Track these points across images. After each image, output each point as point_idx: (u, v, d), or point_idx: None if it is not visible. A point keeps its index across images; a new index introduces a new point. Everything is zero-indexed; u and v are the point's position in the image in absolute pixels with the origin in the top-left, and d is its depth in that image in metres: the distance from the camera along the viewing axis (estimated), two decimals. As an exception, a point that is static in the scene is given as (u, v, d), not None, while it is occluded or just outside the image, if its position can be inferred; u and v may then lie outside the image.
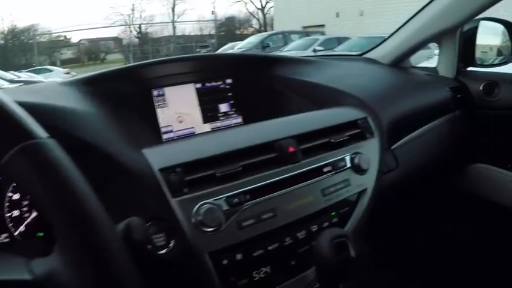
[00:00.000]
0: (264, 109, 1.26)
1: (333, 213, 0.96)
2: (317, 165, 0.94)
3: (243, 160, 0.86)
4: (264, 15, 31.81)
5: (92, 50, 38.49)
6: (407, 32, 1.63)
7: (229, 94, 1.28)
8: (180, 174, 0.80)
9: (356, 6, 18.97)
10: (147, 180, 0.79)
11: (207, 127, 1.24)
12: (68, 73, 20.30)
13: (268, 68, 1.30)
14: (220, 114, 1.26)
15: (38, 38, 27.33)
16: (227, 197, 0.80)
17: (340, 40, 14.27)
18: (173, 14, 33.13)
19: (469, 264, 1.69)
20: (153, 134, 1.17)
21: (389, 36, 1.70)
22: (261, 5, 31.97)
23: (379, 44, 1.75)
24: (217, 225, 0.77)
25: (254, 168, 0.86)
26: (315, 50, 13.46)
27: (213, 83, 1.27)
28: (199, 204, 0.78)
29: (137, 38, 37.17)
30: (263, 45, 16.46)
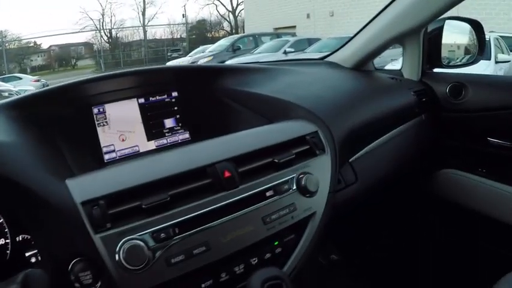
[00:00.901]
0: (211, 124, 1.21)
1: (276, 243, 0.87)
2: (257, 190, 0.85)
3: (172, 189, 0.79)
4: (235, 17, 31.79)
5: (63, 56, 37.81)
6: (369, 34, 1.57)
7: (175, 108, 1.22)
8: (102, 207, 0.72)
9: (327, 7, 19.08)
10: (69, 215, 0.72)
11: (152, 145, 1.18)
12: (37, 81, 19.91)
13: (215, 79, 1.24)
14: (166, 130, 1.20)
15: (6, 44, 26.73)
16: (153, 231, 0.73)
17: (310, 41, 14.34)
18: (143, 18, 32.86)
19: (438, 268, 1.67)
20: (94, 155, 1.11)
21: (351, 39, 1.65)
22: (232, 7, 31.95)
23: (341, 47, 1.70)
24: (143, 263, 0.70)
25: (185, 198, 0.79)
26: (285, 52, 13.48)
27: (158, 97, 1.21)
28: (123, 241, 0.71)
29: (108, 43, 36.68)
30: (234, 47, 16.42)
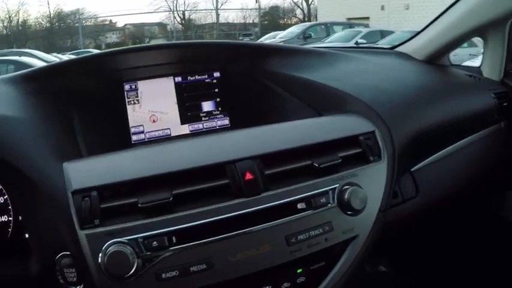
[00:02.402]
0: (253, 110, 1.07)
1: (300, 270, 0.72)
2: (286, 200, 0.69)
3: (178, 187, 0.65)
4: (308, 5, 31.23)
5: (137, 35, 38.96)
6: (446, 23, 1.31)
7: (215, 90, 1.09)
8: (94, 200, 0.62)
9: (402, 0, 18.33)
10: (58, 203, 0.63)
11: (186, 129, 1.06)
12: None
13: (262, 60, 1.08)
14: (203, 114, 1.08)
15: (83, 21, 27.87)
16: (145, 237, 0.61)
17: (383, 33, 13.78)
18: (217, 2, 33.02)
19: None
20: (121, 135, 1.00)
21: (426, 27, 1.42)
22: (306, -6, 31.48)
23: (414, 36, 1.47)
24: (128, 272, 0.59)
25: (192, 200, 0.66)
26: (357, 43, 13.04)
27: (197, 77, 1.08)
28: (109, 243, 0.60)
29: (181, 24, 37.36)
30: (305, 35, 16.12)
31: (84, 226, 0.61)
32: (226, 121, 1.09)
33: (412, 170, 0.99)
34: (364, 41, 13.18)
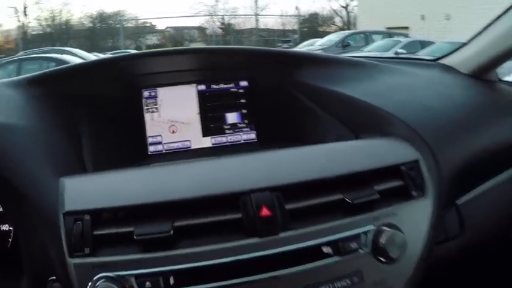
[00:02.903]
0: (282, 125, 0.97)
1: None
2: (308, 243, 0.58)
3: (181, 218, 0.56)
4: (348, 13, 30.89)
5: (177, 38, 39.44)
6: (495, 35, 1.16)
7: (242, 101, 0.99)
8: (86, 224, 0.54)
9: (443, 10, 17.84)
10: (49, 223, 0.55)
11: (208, 142, 0.97)
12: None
13: (294, 70, 0.97)
14: (227, 126, 0.98)
15: (124, 23, 28.41)
16: (138, 275, 0.52)
17: (423, 44, 13.44)
18: (256, 7, 33.11)
19: None
20: (136, 145, 0.92)
21: (473, 38, 1.28)
22: (345, 3, 31.13)
23: (459, 48, 1.33)
24: None
25: (196, 236, 0.56)
26: (396, 53, 12.76)
27: (222, 85, 0.99)
28: (97, 277, 0.52)
29: (220, 28, 37.61)
30: (344, 43, 15.92)
31: (74, 254, 0.53)
32: (253, 135, 0.99)
33: (457, 202, 0.85)
34: (404, 51, 12.90)
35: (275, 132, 0.97)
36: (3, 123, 0.64)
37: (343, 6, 31.13)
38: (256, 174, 0.61)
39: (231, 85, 0.99)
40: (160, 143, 0.94)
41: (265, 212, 0.56)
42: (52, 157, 0.65)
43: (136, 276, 0.52)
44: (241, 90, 1.00)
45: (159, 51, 0.92)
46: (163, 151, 0.94)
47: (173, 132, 0.95)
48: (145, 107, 0.95)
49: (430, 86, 1.00)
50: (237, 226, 0.56)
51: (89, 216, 0.54)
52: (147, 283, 0.51)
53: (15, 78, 0.79)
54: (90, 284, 0.51)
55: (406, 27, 19.91)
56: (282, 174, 0.62)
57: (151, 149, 0.94)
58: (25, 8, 24.85)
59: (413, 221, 0.65)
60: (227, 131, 0.98)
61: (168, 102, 0.96)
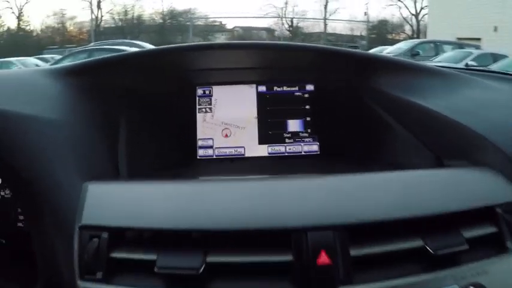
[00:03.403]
0: (351, 138, 0.83)
1: None
2: None
3: (214, 253, 0.45)
4: (418, 21, 29.81)
5: (245, 38, 39.74)
6: None
7: (306, 107, 0.87)
8: (103, 243, 0.45)
9: (517, 22, 16.85)
10: (64, 235, 0.47)
11: (264, 150, 0.85)
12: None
13: (370, 75, 0.82)
14: (287, 135, 0.86)
15: (194, 21, 28.93)
16: None
17: (495, 57, 12.71)
18: (325, 12, 32.70)
19: None
20: (184, 147, 0.83)
21: None
22: (416, 11, 30.07)
23: None
24: None
25: (230, 277, 0.45)
26: (467, 65, 12.15)
27: (285, 88, 0.87)
28: None
29: (288, 31, 37.51)
30: (413, 52, 15.37)
31: (85, 276, 0.45)
32: (315, 147, 0.87)
33: None
34: (475, 64, 12.25)
35: (341, 146, 0.84)
36: (30, 115, 0.55)
37: (413, 14, 30.19)
38: (316, 206, 0.48)
39: (295, 88, 0.88)
40: (211, 147, 0.84)
41: (324, 258, 0.44)
42: (81, 157, 0.56)
43: None
44: (306, 95, 0.88)
45: (218, 44, 0.82)
46: (214, 156, 0.84)
47: (226, 136, 0.85)
48: (199, 106, 0.85)
49: None
50: (285, 272, 0.44)
51: (107, 234, 0.45)
52: None
53: (55, 66, 0.71)
54: None
55: (478, 39, 19.04)
56: (349, 209, 0.48)
57: (200, 153, 0.84)
58: (99, 1, 25.88)
59: (508, 283, 0.50)
60: (287, 140, 0.86)
61: (224, 102, 0.86)
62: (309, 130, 0.87)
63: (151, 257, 0.44)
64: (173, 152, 0.80)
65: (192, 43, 0.79)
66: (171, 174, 0.75)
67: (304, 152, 0.86)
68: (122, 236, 0.47)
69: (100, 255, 0.44)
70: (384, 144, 0.78)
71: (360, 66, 0.82)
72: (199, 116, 0.85)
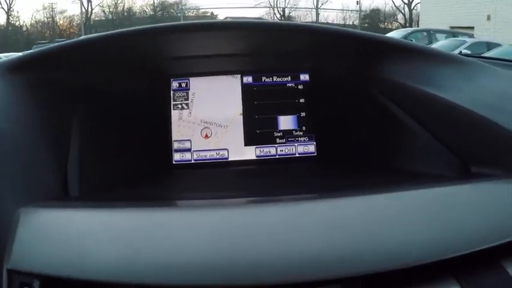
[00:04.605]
0: (355, 138, 0.70)
1: None
2: None
3: None
4: (410, 10, 29.68)
5: (235, 28, 39.74)
6: None
7: (301, 100, 0.75)
8: None
9: (510, 10, 16.84)
10: None
11: (251, 152, 0.73)
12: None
13: (375, 60, 0.68)
14: (279, 134, 0.73)
15: (185, 12, 28.64)
16: None
17: (489, 45, 12.80)
18: (317, 1, 32.60)
19: None
20: (156, 152, 0.70)
21: None
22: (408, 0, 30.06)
23: None
24: None
25: None
26: (461, 53, 12.13)
27: (275, 78, 0.74)
28: None
29: (280, 20, 37.44)
30: (406, 41, 15.45)
31: None
32: (312, 147, 0.74)
33: None
34: (469, 52, 12.22)
35: (342, 147, 0.71)
36: None
37: (405, 3, 30.18)
38: (317, 251, 0.34)
39: (287, 78, 0.75)
40: (189, 150, 0.71)
41: None
42: (20, 174, 0.43)
43: None
44: (300, 86, 0.75)
45: (194, 23, 0.67)
46: (192, 161, 0.71)
47: (206, 136, 0.72)
48: (173, 102, 0.72)
49: None
50: None
51: (38, 284, 0.33)
52: None
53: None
54: None
55: (471, 28, 19.11)
56: (364, 252, 0.35)
57: (176, 157, 0.71)
58: (89, -6, 25.57)
59: None
60: (278, 140, 0.73)
61: (203, 96, 0.72)
62: (303, 128, 0.74)
63: None
64: (142, 160, 0.67)
65: (163, 24, 0.65)
66: (140, 185, 0.62)
67: (299, 153, 0.73)
68: (57, 285, 0.34)
69: None
70: (395, 146, 0.65)
71: (364, 50, 0.68)
72: (174, 114, 0.72)
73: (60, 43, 0.60)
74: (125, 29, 0.64)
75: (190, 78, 0.72)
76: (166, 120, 0.71)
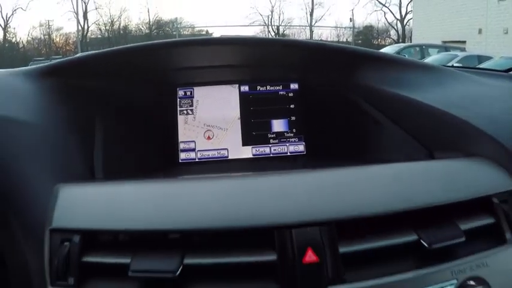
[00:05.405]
0: (339, 137, 0.81)
1: None
2: None
3: (192, 255, 0.41)
4: (403, 26, 30.03)
5: (231, 46, 39.84)
6: None
7: (291, 106, 0.85)
8: (74, 247, 0.42)
9: (501, 24, 17.03)
10: (35, 240, 0.43)
11: (248, 152, 0.83)
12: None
13: (355, 70, 0.79)
14: (272, 135, 0.84)
15: (181, 30, 28.86)
16: None
17: (480, 58, 12.93)
18: (311, 19, 32.84)
19: None
20: (164, 151, 0.80)
21: None
22: (400, 16, 30.26)
23: None
24: None
25: (210, 279, 0.42)
26: (452, 67, 12.26)
27: (269, 87, 0.85)
28: None
29: (274, 38, 37.58)
30: (398, 57, 15.56)
31: (56, 282, 0.41)
32: (301, 147, 0.84)
33: None
34: (461, 65, 12.34)
35: (328, 145, 0.81)
36: (1, 115, 0.52)
37: (398, 19, 30.45)
38: (301, 200, 0.45)
39: (279, 87, 0.85)
40: (193, 150, 0.81)
41: (310, 256, 0.40)
42: (54, 159, 0.53)
43: None
44: (290, 94, 0.85)
45: (197, 39, 0.78)
46: (197, 159, 0.81)
47: (209, 138, 0.82)
48: (180, 108, 0.82)
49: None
50: (269, 272, 0.41)
51: (78, 238, 0.42)
52: None
53: (27, 68, 0.68)
54: None
55: (463, 42, 19.24)
56: (337, 203, 0.45)
57: (182, 156, 0.81)
58: (85, 12, 25.78)
59: (507, 275, 0.47)
60: (272, 141, 0.84)
61: (205, 103, 0.83)
62: (294, 130, 0.84)
63: (125, 260, 0.41)
64: (153, 156, 0.77)
65: (170, 40, 0.76)
66: (152, 175, 0.72)
67: (290, 152, 0.84)
68: (94, 239, 0.44)
69: (71, 259, 0.41)
70: (373, 141, 0.76)
71: (345, 61, 0.79)
72: (180, 118, 0.82)
73: (84, 54, 0.71)
74: (136, 44, 0.74)
75: (194, 88, 0.83)
76: (173, 123, 0.81)
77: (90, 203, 0.46)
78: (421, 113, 0.68)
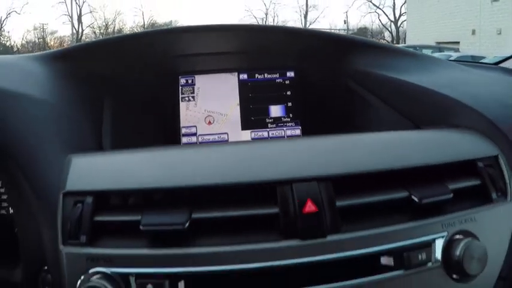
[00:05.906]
0: (333, 120, 0.85)
1: None
2: (363, 250, 0.45)
3: (199, 209, 0.45)
4: (397, 28, 30.17)
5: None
6: None
7: (287, 93, 0.89)
8: (87, 208, 0.45)
9: (494, 25, 17.13)
10: (48, 204, 0.47)
11: (247, 135, 0.87)
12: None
13: (348, 57, 0.84)
14: (270, 120, 0.88)
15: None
16: (139, 274, 0.42)
17: (474, 58, 13.00)
18: (305, 21, 32.95)
19: None
20: (168, 135, 0.84)
21: None
22: (394, 17, 30.41)
23: None
24: None
25: (218, 232, 0.45)
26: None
27: (266, 75, 0.89)
28: (90, 272, 0.42)
29: (268, 41, 37.68)
30: (392, 58, 15.67)
31: (68, 241, 0.44)
32: (298, 131, 0.89)
33: None
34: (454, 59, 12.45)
35: (323, 128, 0.85)
36: (17, 92, 0.56)
37: (392, 21, 30.56)
38: (300, 159, 0.49)
39: (275, 75, 0.89)
40: (194, 134, 0.85)
41: (310, 207, 0.44)
42: (66, 133, 0.57)
43: (137, 275, 0.42)
44: (287, 81, 0.90)
45: (198, 26, 0.81)
46: (198, 143, 0.85)
47: (209, 123, 0.86)
48: (182, 95, 0.86)
49: (498, 84, 0.86)
50: (272, 224, 0.45)
51: (91, 199, 0.45)
52: (149, 286, 0.41)
53: (40, 53, 0.72)
54: (80, 279, 0.42)
55: (457, 42, 19.32)
56: (333, 161, 0.49)
57: (184, 140, 0.85)
58: (79, 16, 25.81)
59: (493, 229, 0.52)
60: (270, 125, 0.88)
61: (206, 91, 0.87)
62: (290, 115, 0.89)
63: (136, 217, 0.44)
64: (156, 140, 0.81)
65: (173, 26, 0.80)
66: None
67: (287, 136, 0.88)
68: (106, 200, 0.47)
69: (84, 219, 0.44)
70: (365, 122, 0.80)
71: (340, 48, 0.84)
72: (182, 105, 0.86)
73: (92, 40, 0.75)
74: (144, 31, 0.79)
75: (196, 76, 0.87)
76: (175, 110, 0.85)
77: (101, 168, 0.49)
78: (409, 92, 0.73)
